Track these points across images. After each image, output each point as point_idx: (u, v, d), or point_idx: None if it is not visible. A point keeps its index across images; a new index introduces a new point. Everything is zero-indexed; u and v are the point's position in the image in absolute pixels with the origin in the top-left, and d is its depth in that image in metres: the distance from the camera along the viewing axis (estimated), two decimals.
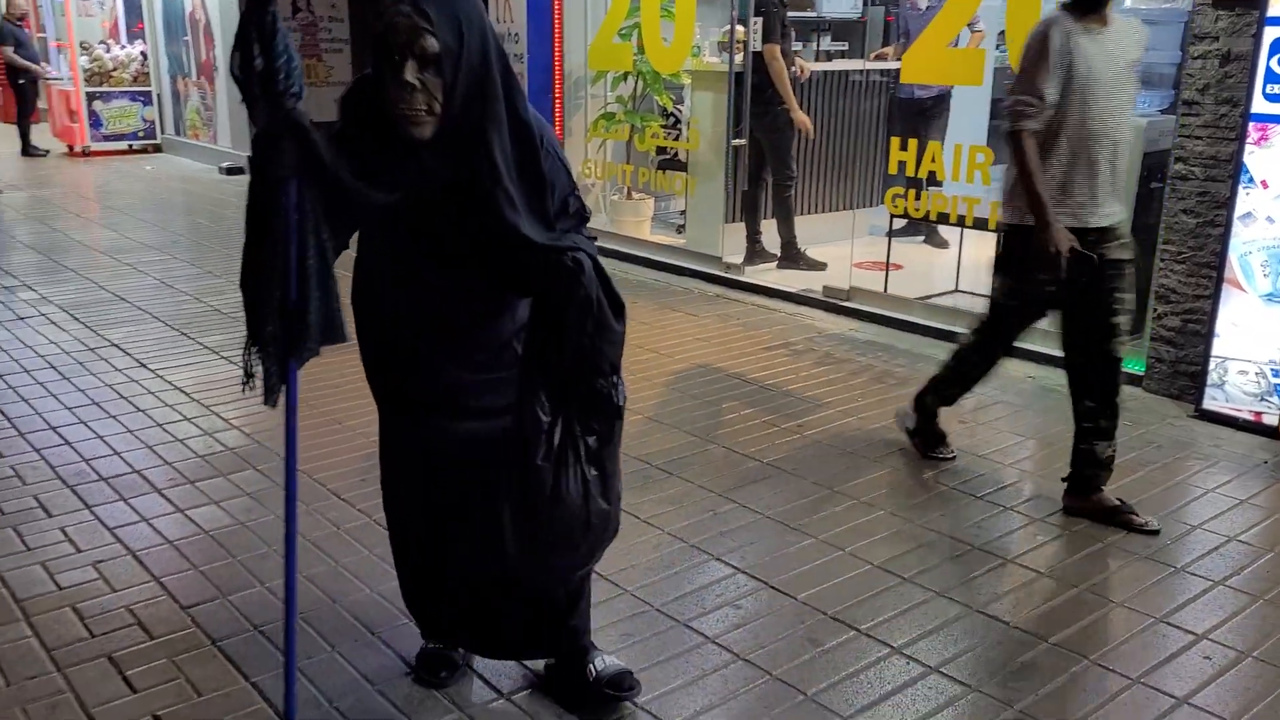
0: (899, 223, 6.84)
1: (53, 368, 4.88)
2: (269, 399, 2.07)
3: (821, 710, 2.50)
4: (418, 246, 2.21)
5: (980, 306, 5.32)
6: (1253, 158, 4.04)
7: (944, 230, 6.98)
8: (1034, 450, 4.09)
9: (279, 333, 2.03)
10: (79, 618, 2.83)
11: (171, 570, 3.09)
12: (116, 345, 5.21)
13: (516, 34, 7.50)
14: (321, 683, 2.57)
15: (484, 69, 2.03)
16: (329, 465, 3.81)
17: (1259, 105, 4.00)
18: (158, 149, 12.84)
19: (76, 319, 5.67)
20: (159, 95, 12.96)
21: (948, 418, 4.00)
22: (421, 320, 2.27)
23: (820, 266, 6.69)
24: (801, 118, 6.54)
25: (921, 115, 6.94)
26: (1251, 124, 4.02)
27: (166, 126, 13.08)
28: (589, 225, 2.29)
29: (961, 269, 6.27)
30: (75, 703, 2.48)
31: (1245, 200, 4.08)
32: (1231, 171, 4.15)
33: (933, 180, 5.63)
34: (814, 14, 8.76)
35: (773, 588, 3.03)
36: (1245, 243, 4.11)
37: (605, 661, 2.50)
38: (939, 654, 2.74)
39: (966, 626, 2.86)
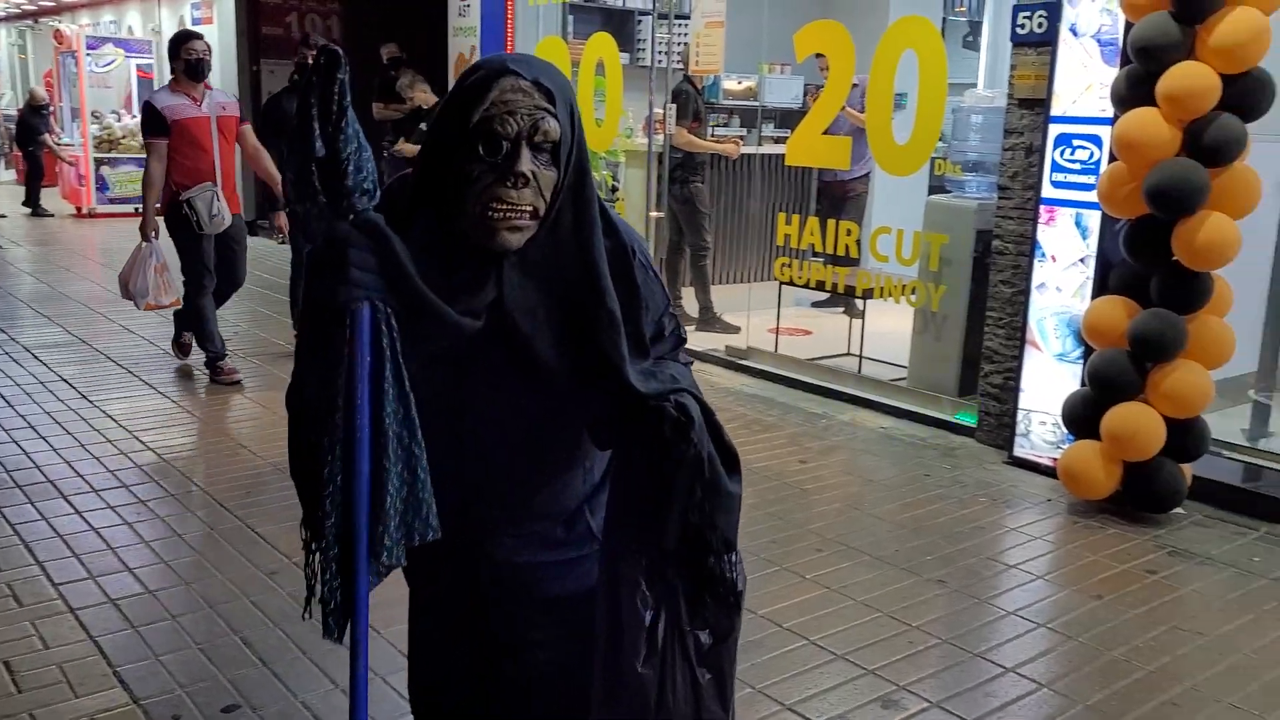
0: (823, 295, 7.48)
1: (1, 397, 5.47)
2: (330, 631, 1.55)
3: None
4: (469, 384, 1.66)
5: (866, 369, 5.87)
6: (1043, 235, 4.59)
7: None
8: (856, 486, 4.57)
9: (341, 532, 1.51)
10: None
11: (55, 558, 3.64)
12: (65, 380, 5.80)
13: None
14: None
15: (581, 160, 1.59)
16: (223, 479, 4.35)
17: (1047, 190, 4.57)
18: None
19: (36, 358, 6.27)
20: None
21: (788, 454, 4.49)
22: (468, 477, 1.70)
23: (734, 330, 7.24)
24: (727, 147, 7.53)
25: (832, 197, 7.59)
26: (1042, 206, 4.59)
27: None
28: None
29: (854, 335, 6.80)
30: None
31: (1040, 272, 4.62)
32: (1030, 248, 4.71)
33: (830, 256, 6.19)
34: (756, 103, 9.43)
35: None
36: (1040, 309, 4.64)
37: None
38: None
39: None
